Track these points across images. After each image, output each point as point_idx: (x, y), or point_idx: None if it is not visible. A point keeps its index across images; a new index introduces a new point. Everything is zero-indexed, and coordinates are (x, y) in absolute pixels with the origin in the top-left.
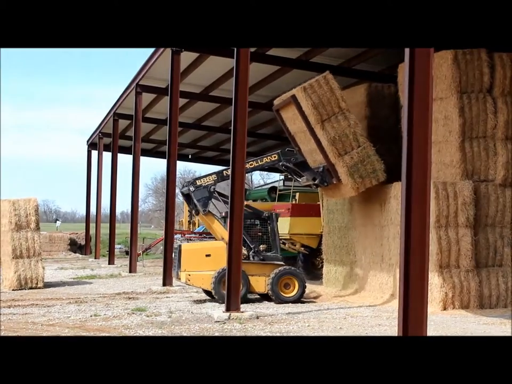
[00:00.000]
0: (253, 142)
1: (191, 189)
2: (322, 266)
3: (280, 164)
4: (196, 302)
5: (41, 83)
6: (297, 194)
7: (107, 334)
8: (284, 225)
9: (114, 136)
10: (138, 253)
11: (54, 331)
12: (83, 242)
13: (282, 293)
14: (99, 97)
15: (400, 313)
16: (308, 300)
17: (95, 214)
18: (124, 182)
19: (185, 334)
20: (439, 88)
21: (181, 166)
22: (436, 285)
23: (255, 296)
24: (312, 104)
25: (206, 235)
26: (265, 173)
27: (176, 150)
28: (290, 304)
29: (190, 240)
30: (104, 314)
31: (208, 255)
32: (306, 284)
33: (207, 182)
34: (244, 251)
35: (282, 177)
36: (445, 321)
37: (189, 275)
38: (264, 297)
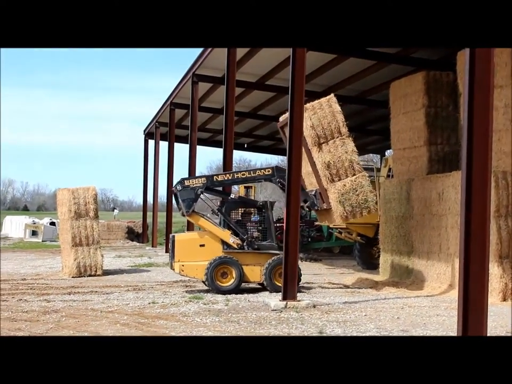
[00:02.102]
0: None
1: (178, 187)
2: (379, 256)
3: (276, 179)
4: (252, 290)
5: (100, 74)
6: None
7: (165, 322)
8: None
9: (170, 126)
10: None
11: (113, 318)
12: (140, 231)
13: (277, 282)
14: (156, 88)
15: (459, 304)
16: (365, 290)
17: (152, 202)
18: (180, 171)
19: (242, 322)
20: (499, 76)
21: (237, 155)
22: (495, 275)
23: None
24: (311, 126)
25: None
26: None
27: (232, 139)
28: (347, 293)
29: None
30: (162, 302)
31: (202, 245)
32: (302, 273)
33: (195, 184)
34: (239, 241)
35: None
36: (504, 312)
37: (183, 265)
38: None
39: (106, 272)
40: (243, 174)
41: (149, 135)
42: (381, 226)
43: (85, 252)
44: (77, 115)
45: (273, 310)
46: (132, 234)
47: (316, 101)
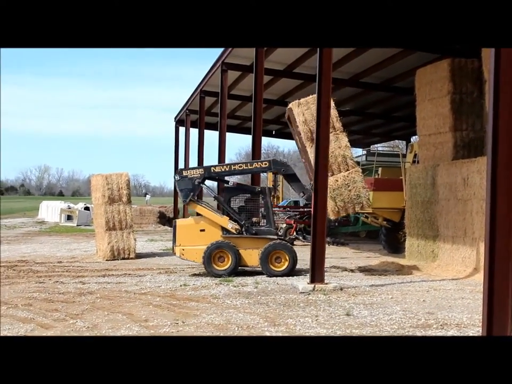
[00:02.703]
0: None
1: (176, 178)
2: (404, 240)
3: (280, 171)
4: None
5: (133, 63)
6: (380, 169)
7: (196, 303)
8: None
9: (200, 113)
10: None
11: (146, 299)
12: (171, 216)
13: (272, 267)
14: (187, 76)
15: (485, 288)
16: (391, 273)
17: None
18: (210, 157)
19: (271, 304)
20: None
21: (265, 141)
22: None
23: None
24: (304, 121)
25: (290, 209)
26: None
27: (261, 126)
28: (373, 276)
29: (275, 213)
30: (193, 284)
31: (202, 230)
32: (297, 258)
33: (193, 174)
34: (237, 226)
35: (364, 152)
36: None
37: (183, 249)
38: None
39: (139, 256)
40: (240, 166)
41: (179, 122)
42: (407, 211)
43: (118, 236)
44: (111, 103)
45: (301, 292)
46: (164, 219)
47: (310, 96)
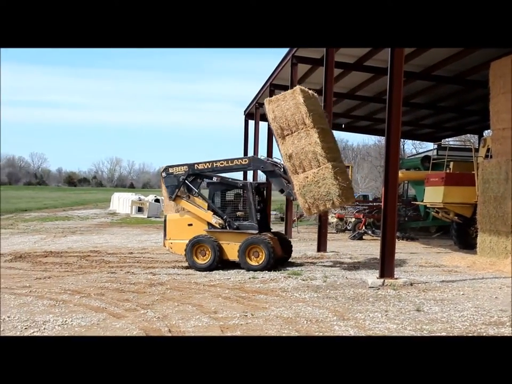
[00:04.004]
0: (406, 111)
1: (163, 175)
2: (476, 236)
3: (259, 167)
4: (349, 268)
5: (206, 57)
6: (452, 163)
7: (265, 296)
8: (438, 194)
9: None
10: (293, 219)
11: (215, 291)
12: None
13: (250, 261)
14: (257, 69)
15: None
16: (462, 269)
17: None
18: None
19: (340, 298)
20: None
21: (334, 135)
22: None
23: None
24: (273, 118)
25: (359, 203)
26: (418, 142)
27: (331, 120)
28: (444, 272)
29: (343, 208)
30: (262, 277)
31: (190, 225)
32: (273, 254)
33: (178, 171)
34: (221, 221)
35: (435, 146)
36: None
37: (171, 243)
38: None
39: None
40: (221, 163)
41: (249, 115)
42: (479, 206)
43: None
44: (183, 96)
45: (370, 287)
46: None
47: (281, 94)
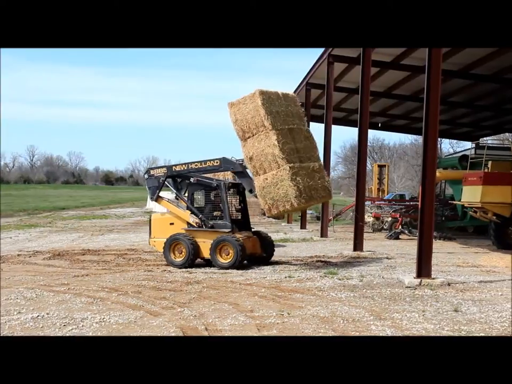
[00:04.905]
0: (443, 110)
1: (145, 176)
2: None
3: (229, 168)
4: (386, 267)
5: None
6: (490, 162)
7: (301, 295)
8: (475, 194)
9: (306, 105)
10: (329, 218)
11: (251, 290)
12: None
13: (220, 259)
14: (293, 68)
15: None
16: (501, 269)
17: None
18: None
19: (376, 298)
20: None
21: (371, 134)
22: None
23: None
24: (235, 121)
25: (395, 202)
26: (455, 141)
27: (368, 119)
28: (482, 272)
29: (380, 207)
30: (298, 276)
31: (171, 224)
32: (241, 252)
33: (158, 173)
34: (198, 220)
35: (473, 145)
36: None
37: (154, 241)
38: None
39: None
40: (196, 165)
41: None
42: None
43: None
44: (221, 96)
45: (407, 287)
46: None
47: (241, 97)
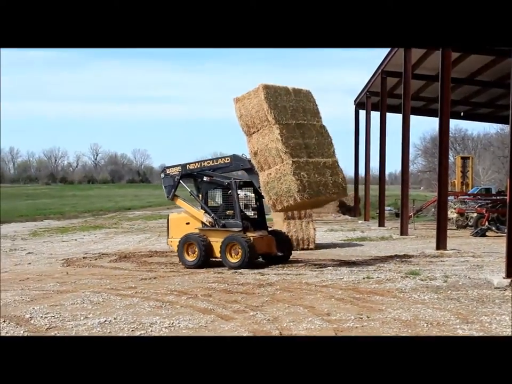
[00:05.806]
0: None
1: (162, 175)
2: None
3: (239, 166)
4: (472, 267)
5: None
6: None
7: (380, 297)
8: None
9: (382, 95)
10: (409, 215)
11: (327, 292)
12: (352, 204)
13: (230, 258)
14: (367, 56)
15: None
16: None
17: (363, 175)
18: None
19: (462, 300)
20: None
21: (452, 124)
22: None
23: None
24: (240, 116)
25: (481, 196)
26: None
27: (449, 108)
28: None
29: (464, 202)
30: (377, 277)
31: (187, 223)
32: (250, 252)
33: (173, 172)
34: (211, 219)
35: None
36: None
37: (171, 241)
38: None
39: (319, 246)
40: (208, 163)
41: (359, 105)
42: None
43: (297, 225)
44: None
45: (496, 287)
46: (344, 208)
47: (246, 92)
